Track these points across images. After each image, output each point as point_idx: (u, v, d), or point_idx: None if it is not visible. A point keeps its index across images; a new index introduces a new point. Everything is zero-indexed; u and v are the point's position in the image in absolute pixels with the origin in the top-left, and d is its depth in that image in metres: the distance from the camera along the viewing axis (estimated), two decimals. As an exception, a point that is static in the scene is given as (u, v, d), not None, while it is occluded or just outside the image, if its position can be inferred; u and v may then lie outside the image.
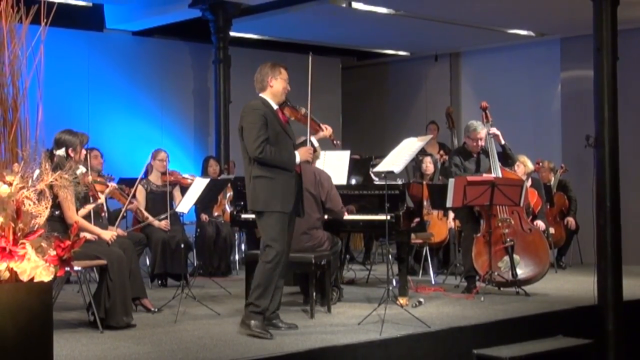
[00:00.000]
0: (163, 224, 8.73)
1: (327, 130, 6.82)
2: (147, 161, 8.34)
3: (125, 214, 8.96)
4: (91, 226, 6.62)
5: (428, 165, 9.99)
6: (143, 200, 8.90)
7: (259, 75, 6.23)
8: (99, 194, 7.30)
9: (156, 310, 7.05)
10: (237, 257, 10.39)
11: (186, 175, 9.29)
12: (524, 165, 9.54)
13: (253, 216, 6.44)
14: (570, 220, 10.68)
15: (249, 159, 6.05)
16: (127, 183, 8.77)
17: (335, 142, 7.21)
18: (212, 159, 10.58)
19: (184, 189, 8.93)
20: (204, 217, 9.68)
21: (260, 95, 6.21)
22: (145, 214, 8.80)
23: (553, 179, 10.81)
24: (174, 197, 8.94)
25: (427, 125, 12.11)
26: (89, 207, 7.05)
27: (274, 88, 6.20)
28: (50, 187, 4.28)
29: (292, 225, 6.24)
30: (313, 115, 6.56)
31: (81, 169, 6.61)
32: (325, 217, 7.27)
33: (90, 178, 7.36)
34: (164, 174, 8.97)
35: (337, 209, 7.22)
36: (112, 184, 7.47)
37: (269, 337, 5.90)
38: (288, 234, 6.17)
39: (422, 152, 10.33)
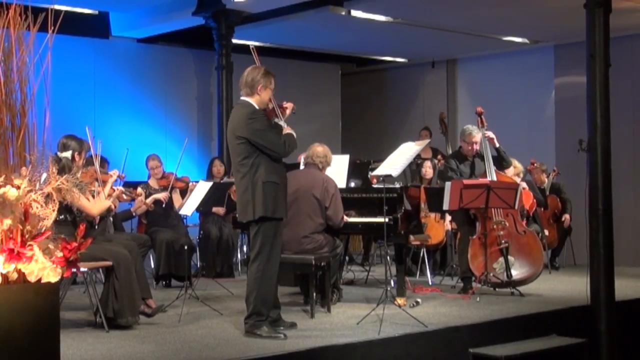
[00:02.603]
0: (163, 195, 8.73)
1: (289, 107, 6.37)
2: (123, 161, 7.93)
3: (134, 214, 8.99)
4: (102, 202, 6.67)
5: (428, 170, 10.00)
6: (142, 198, 8.90)
7: (249, 79, 6.02)
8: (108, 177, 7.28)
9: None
10: (239, 258, 10.38)
11: (180, 178, 9.24)
12: (514, 167, 9.55)
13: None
14: (566, 217, 10.67)
15: (251, 165, 5.90)
16: (133, 186, 8.79)
17: (294, 110, 6.53)
18: (217, 159, 10.55)
19: (182, 191, 8.96)
20: (217, 210, 9.57)
21: (246, 99, 6.05)
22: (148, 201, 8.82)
23: (546, 181, 10.80)
24: (173, 199, 8.94)
25: (419, 132, 12.09)
26: (107, 189, 7.03)
27: (262, 97, 6.04)
28: (59, 190, 4.28)
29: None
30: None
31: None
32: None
33: (91, 169, 7.36)
34: (160, 178, 9.05)
35: (336, 218, 7.16)
36: (119, 187, 7.45)
37: (284, 337, 5.87)
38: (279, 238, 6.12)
39: (416, 157, 10.33)
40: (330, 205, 7.06)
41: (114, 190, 7.21)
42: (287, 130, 6.13)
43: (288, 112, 6.33)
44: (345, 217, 7.35)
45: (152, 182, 9.12)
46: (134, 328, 6.30)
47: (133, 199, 8.65)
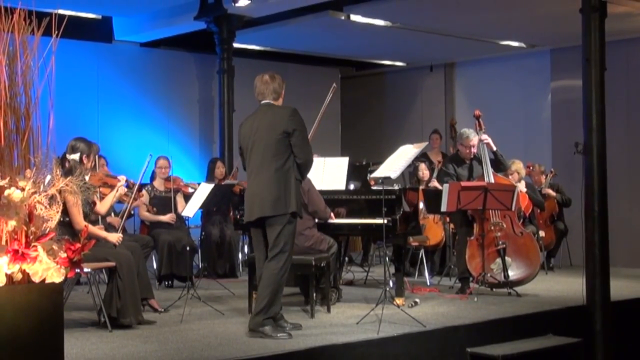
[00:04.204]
0: (168, 217, 8.75)
1: None
2: (144, 166, 7.96)
3: (132, 212, 8.98)
4: (98, 230, 6.62)
5: (424, 172, 10.01)
6: (146, 200, 8.90)
7: (275, 86, 6.12)
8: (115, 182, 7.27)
9: (163, 310, 7.05)
10: (240, 259, 10.36)
11: (188, 183, 9.26)
12: (518, 173, 9.56)
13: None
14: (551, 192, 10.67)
15: (285, 160, 5.94)
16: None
17: None
18: (219, 160, 10.53)
19: (186, 195, 8.96)
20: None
21: (273, 103, 6.13)
22: (151, 216, 8.84)
23: (544, 182, 10.79)
24: (177, 202, 8.95)
25: (430, 135, 12.11)
26: (112, 195, 7.03)
27: (283, 99, 6.22)
28: (60, 192, 4.28)
29: None
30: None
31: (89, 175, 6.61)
32: (316, 220, 7.27)
33: (100, 173, 7.36)
34: (167, 180, 9.03)
35: (320, 211, 7.19)
36: (124, 188, 7.45)
37: (288, 337, 5.86)
38: None
39: (423, 160, 10.37)
40: (308, 202, 7.07)
41: (118, 181, 7.21)
42: None
43: None
44: (333, 216, 7.38)
45: (158, 184, 9.11)
46: (137, 328, 6.30)
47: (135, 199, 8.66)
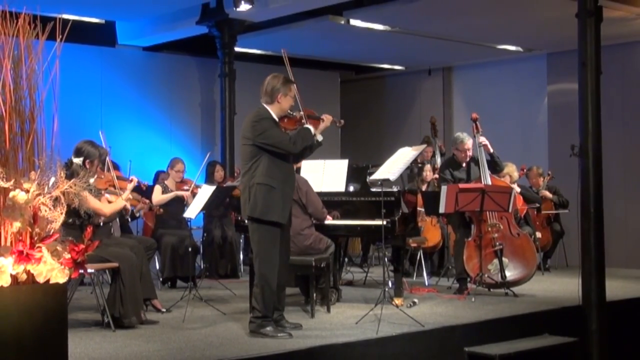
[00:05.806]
0: (184, 192, 8.81)
1: (327, 119, 6.27)
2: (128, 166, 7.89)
3: (137, 215, 8.99)
4: (114, 205, 6.68)
5: (428, 173, 10.05)
6: (159, 193, 8.88)
7: (268, 87, 5.99)
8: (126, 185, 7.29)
9: (165, 310, 7.05)
10: (241, 258, 10.35)
11: (199, 184, 9.28)
12: (510, 176, 9.54)
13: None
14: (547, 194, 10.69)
15: (250, 166, 5.91)
16: (137, 191, 8.77)
17: (338, 123, 6.61)
18: (218, 164, 10.53)
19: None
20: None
21: (265, 106, 6.01)
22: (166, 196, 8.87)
23: (541, 184, 10.78)
24: (187, 203, 8.95)
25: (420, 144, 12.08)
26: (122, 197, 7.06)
27: (281, 104, 6.01)
28: (67, 194, 4.28)
29: (285, 234, 6.14)
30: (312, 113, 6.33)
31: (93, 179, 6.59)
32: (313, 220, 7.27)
33: (109, 176, 7.36)
34: (180, 182, 9.05)
35: (317, 212, 7.17)
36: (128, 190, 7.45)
37: (288, 337, 5.86)
38: (282, 243, 6.05)
39: (415, 160, 10.38)
40: (307, 203, 7.06)
41: (129, 183, 7.22)
42: (313, 126, 6.13)
43: (323, 124, 6.24)
44: (329, 217, 7.36)
45: (170, 184, 9.11)
46: (140, 328, 6.30)
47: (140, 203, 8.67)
